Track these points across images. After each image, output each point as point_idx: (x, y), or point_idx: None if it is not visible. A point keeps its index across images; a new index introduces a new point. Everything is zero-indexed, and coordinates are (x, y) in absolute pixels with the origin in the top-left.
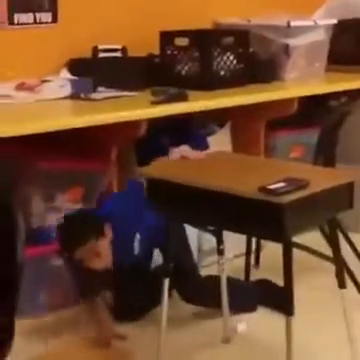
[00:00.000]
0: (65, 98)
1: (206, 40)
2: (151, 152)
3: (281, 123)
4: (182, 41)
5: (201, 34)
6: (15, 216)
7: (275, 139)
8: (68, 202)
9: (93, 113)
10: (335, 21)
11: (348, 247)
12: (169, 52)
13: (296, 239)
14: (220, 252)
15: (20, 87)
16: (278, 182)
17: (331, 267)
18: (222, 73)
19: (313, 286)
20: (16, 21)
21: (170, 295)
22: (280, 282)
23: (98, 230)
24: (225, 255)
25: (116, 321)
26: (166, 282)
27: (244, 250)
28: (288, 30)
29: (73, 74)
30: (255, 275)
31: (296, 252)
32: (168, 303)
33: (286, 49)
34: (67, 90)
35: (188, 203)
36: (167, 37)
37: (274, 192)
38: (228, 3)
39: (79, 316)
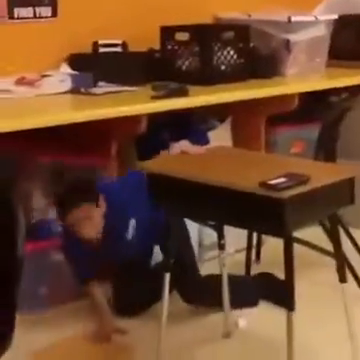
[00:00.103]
0: (65, 93)
1: (206, 35)
2: (151, 147)
3: (282, 118)
4: (182, 36)
5: (201, 29)
6: (16, 211)
7: (276, 134)
8: None
9: (93, 108)
10: (336, 16)
11: (349, 242)
12: (169, 47)
13: (297, 234)
14: (221, 247)
15: (20, 82)
16: (279, 177)
17: (332, 262)
18: (222, 68)
19: (314, 281)
20: (16, 15)
21: (171, 291)
22: (281, 277)
23: (92, 197)
24: (226, 250)
25: (116, 316)
26: (167, 277)
27: (245, 245)
28: (289, 25)
29: (73, 69)
30: (256, 270)
31: (297, 247)
32: (169, 298)
33: (287, 44)
34: (67, 85)
35: (189, 198)
36: (167, 32)
37: (275, 187)
38: None
39: (79, 311)
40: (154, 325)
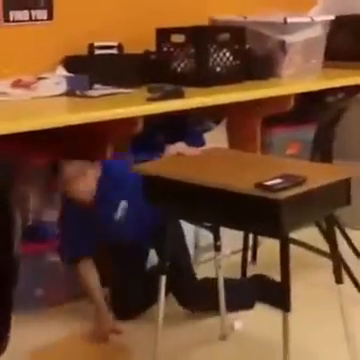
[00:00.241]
0: (61, 95)
1: (202, 37)
2: (147, 149)
3: (278, 120)
4: (178, 38)
5: (197, 31)
6: (12, 213)
7: (271, 136)
8: None
9: (89, 110)
10: (332, 17)
11: (345, 243)
12: (165, 49)
13: (293, 235)
14: (217, 248)
15: (16, 84)
16: (275, 178)
17: (328, 263)
18: (218, 70)
19: (310, 282)
20: (11, 18)
21: (166, 294)
22: (277, 278)
23: (89, 156)
24: (222, 251)
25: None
26: (163, 279)
27: (241, 246)
28: (285, 26)
29: (69, 71)
30: (252, 271)
31: (293, 248)
32: (165, 301)
33: (283, 45)
34: (63, 87)
35: (185, 200)
36: (163, 34)
37: (271, 188)
38: (224, 0)
39: (76, 312)
40: (150, 328)
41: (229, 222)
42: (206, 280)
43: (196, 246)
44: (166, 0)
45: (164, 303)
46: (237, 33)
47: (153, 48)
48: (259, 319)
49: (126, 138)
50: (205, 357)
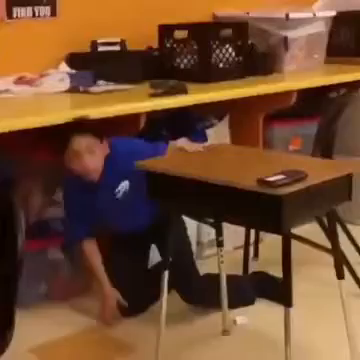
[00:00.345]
0: (64, 92)
1: (205, 33)
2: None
3: (280, 115)
4: (181, 34)
5: (200, 27)
6: (15, 210)
7: (274, 131)
8: None
9: (92, 106)
10: (334, 13)
11: (346, 238)
12: (168, 45)
13: (295, 231)
14: (219, 244)
15: (19, 81)
16: (277, 174)
17: (329, 259)
18: (221, 65)
19: (311, 278)
20: (15, 15)
21: (169, 290)
22: (279, 274)
23: (97, 133)
24: (224, 247)
25: None
26: (166, 274)
27: (243, 242)
28: (287, 22)
29: (72, 68)
30: (254, 267)
31: (294, 244)
32: (167, 296)
33: (285, 41)
34: (66, 84)
35: (187, 196)
36: (166, 30)
37: (273, 184)
38: None
39: (79, 308)
40: (153, 323)
41: (231, 218)
42: (208, 276)
43: (198, 242)
44: None
45: (167, 299)
46: (240, 29)
47: (156, 44)
48: (261, 314)
49: (129, 134)
50: (208, 352)
